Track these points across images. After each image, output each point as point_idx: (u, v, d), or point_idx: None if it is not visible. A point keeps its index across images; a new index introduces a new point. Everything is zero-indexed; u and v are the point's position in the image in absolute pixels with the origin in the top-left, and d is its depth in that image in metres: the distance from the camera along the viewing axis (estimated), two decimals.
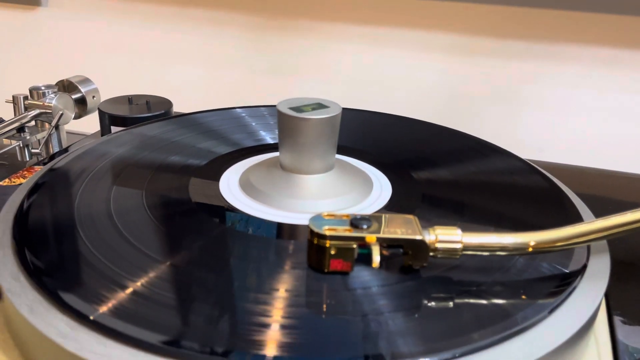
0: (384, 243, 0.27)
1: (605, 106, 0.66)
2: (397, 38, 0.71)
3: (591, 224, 0.31)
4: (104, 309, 0.25)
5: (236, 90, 0.77)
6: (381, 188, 0.37)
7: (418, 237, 0.27)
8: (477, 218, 0.35)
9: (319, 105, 0.36)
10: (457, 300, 0.27)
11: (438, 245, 0.27)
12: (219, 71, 0.78)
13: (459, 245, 0.27)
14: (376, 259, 0.26)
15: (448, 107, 0.72)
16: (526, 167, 0.41)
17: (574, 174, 0.55)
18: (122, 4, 0.79)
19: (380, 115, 0.50)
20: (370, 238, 0.27)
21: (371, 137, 0.45)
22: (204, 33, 0.77)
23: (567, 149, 0.69)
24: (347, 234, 0.27)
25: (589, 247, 0.32)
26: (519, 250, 0.29)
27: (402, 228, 0.28)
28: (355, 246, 0.27)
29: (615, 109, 0.66)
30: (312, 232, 0.27)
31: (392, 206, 0.35)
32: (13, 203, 0.33)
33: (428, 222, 0.34)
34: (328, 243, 0.27)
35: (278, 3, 0.73)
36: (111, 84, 0.72)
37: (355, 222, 0.28)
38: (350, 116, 0.48)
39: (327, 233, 0.27)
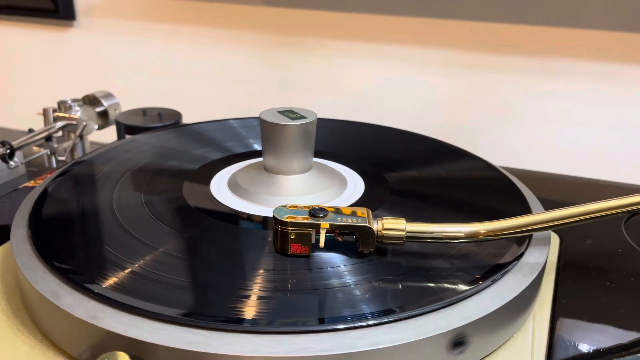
0: (338, 230, 0.32)
1: (598, 119, 0.69)
2: (399, 54, 0.75)
3: (534, 216, 0.34)
4: (106, 284, 0.29)
5: (248, 104, 0.82)
6: (355, 186, 0.42)
7: (365, 225, 0.31)
8: (438, 207, 0.40)
9: (297, 114, 0.40)
10: (401, 279, 0.31)
11: (384, 232, 0.32)
12: (233, 86, 0.83)
13: (402, 234, 0.32)
14: (321, 241, 0.31)
15: (447, 120, 0.75)
16: (485, 166, 0.45)
17: (547, 180, 0.59)
18: (145, 25, 0.85)
19: (359, 125, 0.54)
20: (324, 225, 0.31)
21: (349, 143, 0.49)
22: (219, 51, 0.83)
23: (563, 160, 0.72)
24: (305, 221, 0.31)
25: (530, 237, 0.35)
26: (471, 238, 0.33)
27: (355, 218, 0.32)
28: (311, 232, 0.31)
29: (608, 122, 0.68)
30: (275, 220, 0.32)
31: (363, 201, 0.40)
32: (30, 199, 0.39)
33: (394, 212, 0.38)
34: (289, 229, 0.31)
35: (288, 23, 0.78)
36: (133, 98, 0.78)
37: (313, 212, 0.32)
38: (330, 125, 0.53)
39: (288, 220, 0.31)
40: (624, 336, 0.33)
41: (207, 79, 0.85)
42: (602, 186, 0.60)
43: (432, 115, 0.76)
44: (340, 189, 0.41)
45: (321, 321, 0.27)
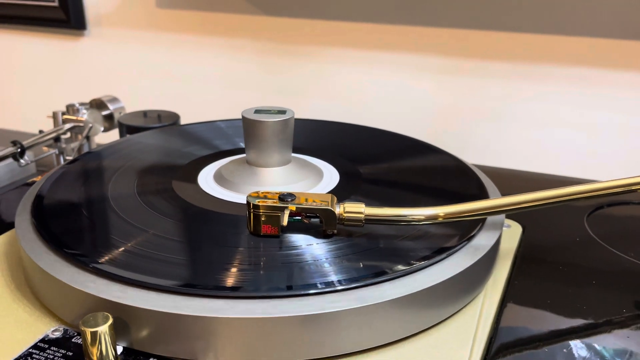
0: (304, 212, 0.35)
1: (582, 121, 0.72)
2: (390, 60, 0.78)
3: (488, 202, 0.38)
4: (96, 258, 0.33)
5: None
6: (331, 177, 0.45)
7: (327, 208, 0.35)
8: (405, 193, 0.44)
9: (276, 112, 0.44)
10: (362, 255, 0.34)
11: (345, 215, 0.35)
12: (234, 91, 0.88)
13: (361, 216, 0.35)
14: (284, 220, 0.34)
15: (438, 123, 0.79)
16: (450, 159, 0.50)
17: (528, 179, 0.62)
18: (151, 34, 0.90)
19: (338, 124, 0.58)
20: (291, 207, 0.35)
21: (328, 141, 0.53)
22: (220, 58, 0.87)
23: (550, 160, 0.74)
24: (274, 204, 0.35)
25: (484, 221, 0.38)
26: (431, 220, 0.36)
27: (320, 202, 0.36)
28: (280, 214, 0.35)
29: (592, 124, 0.71)
30: (248, 204, 0.35)
31: (338, 189, 0.43)
32: (33, 190, 0.43)
33: (365, 199, 0.41)
34: (260, 212, 0.35)
35: (285, 31, 0.82)
36: (140, 102, 0.82)
37: (283, 197, 0.36)
38: (312, 125, 0.57)
39: (259, 203, 0.35)
40: (567, 319, 0.36)
41: (209, 85, 0.89)
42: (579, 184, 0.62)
43: (423, 119, 0.79)
44: (317, 180, 0.44)
45: (290, 287, 0.31)
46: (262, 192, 0.37)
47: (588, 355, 0.33)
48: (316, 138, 0.54)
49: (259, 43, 0.85)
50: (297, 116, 0.45)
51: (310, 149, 0.50)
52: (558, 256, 0.43)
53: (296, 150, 0.48)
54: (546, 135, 0.74)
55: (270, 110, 0.44)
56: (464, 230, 0.37)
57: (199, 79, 0.89)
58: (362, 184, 0.44)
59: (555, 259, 0.42)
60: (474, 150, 0.78)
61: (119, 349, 0.31)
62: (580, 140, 0.72)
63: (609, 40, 0.67)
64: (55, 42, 0.97)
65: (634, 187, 0.40)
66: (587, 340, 0.34)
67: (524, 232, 0.46)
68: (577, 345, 0.34)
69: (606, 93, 0.69)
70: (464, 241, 0.36)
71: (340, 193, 0.42)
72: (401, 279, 0.32)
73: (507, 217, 0.47)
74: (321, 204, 0.35)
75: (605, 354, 0.33)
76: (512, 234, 0.45)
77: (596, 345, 0.34)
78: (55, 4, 0.91)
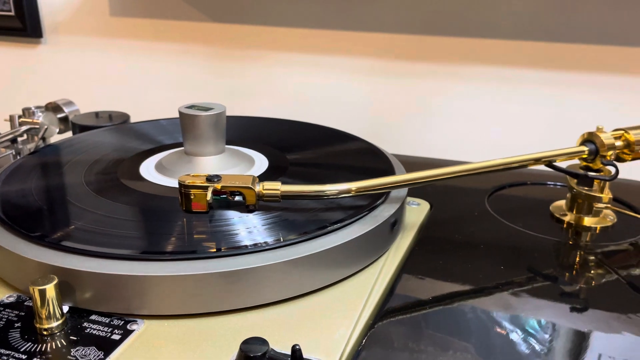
0: (228, 191, 0.41)
1: (499, 115, 0.79)
2: (329, 63, 0.85)
3: (392, 178, 0.44)
4: (50, 233, 0.38)
5: None
6: (261, 164, 0.51)
7: (248, 186, 0.41)
8: (325, 171, 0.51)
9: (209, 107, 0.49)
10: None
11: (264, 192, 0.41)
12: (186, 94, 0.93)
13: (278, 193, 0.41)
14: (209, 196, 0.40)
15: (374, 120, 0.85)
16: (365, 145, 0.57)
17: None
18: (105, 41, 0.94)
19: (269, 120, 0.65)
20: (217, 186, 0.41)
21: (259, 135, 0.59)
22: (172, 63, 0.92)
23: (473, 151, 0.82)
24: (202, 184, 0.41)
25: (388, 193, 0.45)
26: (345, 193, 0.42)
27: (242, 182, 0.41)
28: (207, 193, 0.41)
29: (506, 117, 0.79)
30: (180, 184, 0.41)
31: (267, 173, 0.49)
32: None
33: (291, 179, 0.47)
34: (190, 191, 0.41)
35: (233, 37, 0.88)
36: (95, 105, 0.87)
37: (210, 178, 0.41)
38: (246, 121, 0.63)
39: (189, 184, 0.41)
40: (456, 276, 0.42)
41: (162, 88, 0.94)
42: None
43: (361, 116, 0.86)
44: (249, 166, 0.50)
45: (213, 250, 0.37)
46: (193, 174, 0.42)
47: (472, 312, 0.39)
48: (248, 132, 0.60)
49: (209, 48, 0.90)
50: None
51: (243, 141, 0.56)
52: (456, 228, 0.49)
53: (230, 143, 0.54)
54: (471, 129, 0.81)
55: (204, 106, 0.50)
56: (369, 202, 0.43)
57: (152, 83, 0.94)
58: (288, 168, 0.50)
59: (453, 230, 0.49)
60: (407, 143, 0.85)
61: (65, 308, 0.36)
62: (499, 132, 0.79)
63: (520, 42, 0.75)
64: (12, 50, 1.00)
65: (514, 165, 0.47)
66: (473, 299, 0.40)
67: (431, 209, 0.52)
68: (461, 306, 0.40)
69: (521, 89, 0.77)
70: (366, 212, 0.42)
71: (270, 176, 0.48)
72: (306, 242, 0.38)
73: (417, 196, 0.53)
74: (243, 183, 0.41)
75: (485, 312, 0.39)
76: (420, 210, 0.51)
77: (478, 306, 0.39)
78: (12, 13, 0.95)
